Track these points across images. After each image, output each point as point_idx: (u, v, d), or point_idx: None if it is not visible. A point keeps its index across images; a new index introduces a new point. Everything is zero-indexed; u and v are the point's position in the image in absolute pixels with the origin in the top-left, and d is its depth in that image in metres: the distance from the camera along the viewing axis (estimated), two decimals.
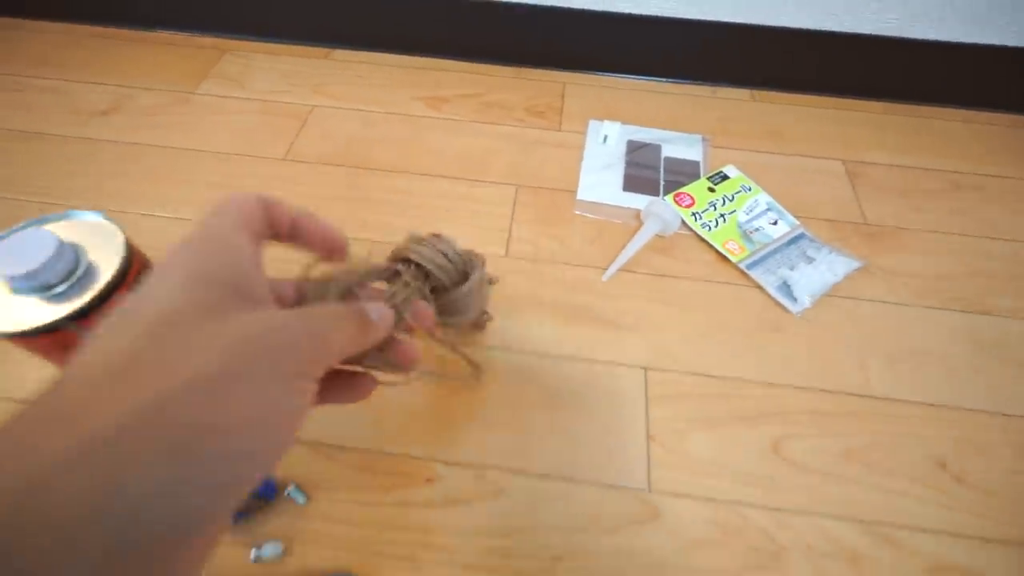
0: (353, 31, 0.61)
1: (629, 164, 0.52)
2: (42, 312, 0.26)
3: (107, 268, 0.27)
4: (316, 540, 0.31)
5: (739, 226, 0.46)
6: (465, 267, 0.29)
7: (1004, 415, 0.37)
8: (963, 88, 0.57)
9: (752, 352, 0.40)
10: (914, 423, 0.36)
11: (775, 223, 0.47)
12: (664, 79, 0.60)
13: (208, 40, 0.63)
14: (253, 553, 0.30)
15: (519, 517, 0.32)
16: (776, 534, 0.32)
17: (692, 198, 0.48)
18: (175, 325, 0.14)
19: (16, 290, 0.26)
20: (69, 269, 0.27)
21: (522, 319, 0.41)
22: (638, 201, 0.48)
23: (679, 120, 0.56)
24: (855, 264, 0.44)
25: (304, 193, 0.48)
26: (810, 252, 0.45)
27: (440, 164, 0.51)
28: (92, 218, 0.29)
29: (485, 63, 0.61)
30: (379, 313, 0.20)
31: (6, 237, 0.27)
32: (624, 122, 0.55)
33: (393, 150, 0.52)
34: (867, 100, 0.59)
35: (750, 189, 0.49)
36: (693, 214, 0.47)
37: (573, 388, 0.37)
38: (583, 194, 0.49)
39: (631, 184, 0.50)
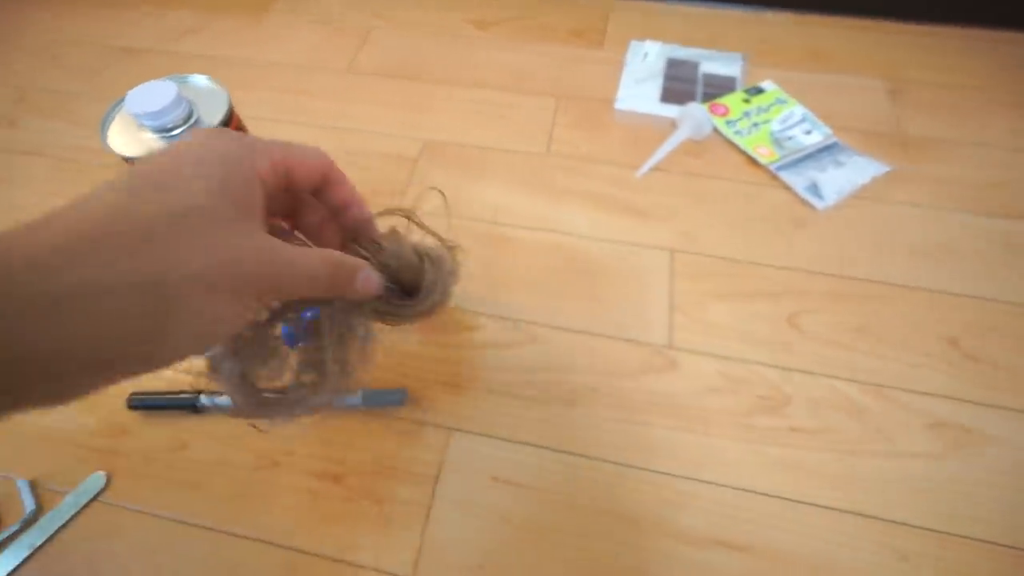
0: None
1: (667, 78, 0.54)
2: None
3: (212, 120, 0.33)
4: (376, 364, 0.36)
5: (772, 134, 0.48)
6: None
7: (1021, 305, 0.38)
8: (1014, 9, 0.56)
9: (775, 242, 0.42)
10: (930, 307, 0.38)
11: (809, 132, 0.48)
12: (708, 3, 0.61)
13: None
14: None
15: (551, 358, 0.37)
16: (783, 387, 0.35)
17: (727, 108, 0.50)
18: (196, 226, 0.16)
19: (142, 127, 0.32)
20: (184, 116, 0.32)
21: (561, 207, 0.44)
22: (674, 111, 0.50)
23: (721, 42, 0.58)
24: (884, 168, 0.45)
25: (364, 99, 0.53)
26: (841, 158, 0.46)
27: (486, 77, 0.55)
28: (203, 81, 0.35)
29: None
30: (365, 280, 0.21)
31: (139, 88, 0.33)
32: (665, 42, 0.57)
33: (443, 65, 0.56)
34: (912, 23, 0.58)
35: (785, 102, 0.51)
36: (727, 122, 0.49)
37: (605, 264, 0.41)
38: (621, 103, 0.52)
39: (668, 95, 0.52)
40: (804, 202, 0.44)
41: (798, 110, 0.50)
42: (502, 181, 0.46)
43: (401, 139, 0.50)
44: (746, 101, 0.51)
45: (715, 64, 0.55)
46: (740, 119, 0.49)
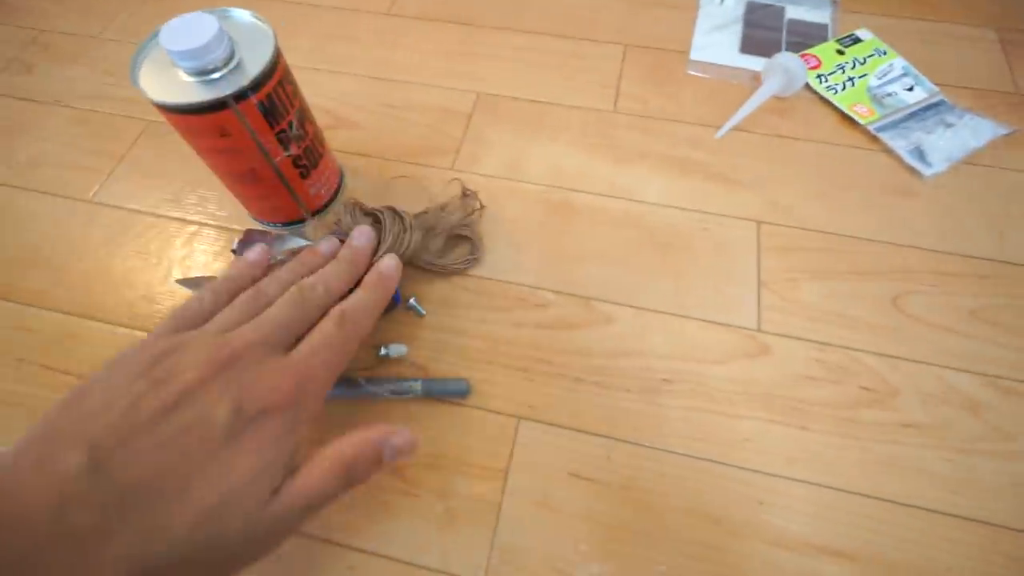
0: None
1: (748, 24, 0.48)
2: (200, 92, 0.27)
3: (257, 63, 0.28)
4: (434, 348, 0.34)
5: (869, 90, 0.43)
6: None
7: None
8: None
9: (875, 213, 0.38)
10: None
11: (911, 89, 0.43)
12: None
13: None
14: (382, 351, 0.33)
15: (628, 341, 0.33)
16: (890, 377, 0.32)
17: (818, 59, 0.44)
18: None
19: (178, 68, 0.28)
20: (227, 56, 0.28)
21: (630, 171, 0.40)
22: (756, 63, 0.45)
23: None
24: (1002, 131, 0.40)
25: (408, 45, 0.48)
26: (949, 119, 0.41)
27: (546, 22, 0.49)
28: (246, 16, 0.31)
29: None
30: (392, 450, 0.22)
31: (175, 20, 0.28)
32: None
33: (498, 7, 0.51)
34: None
35: (885, 53, 0.45)
36: (818, 76, 0.44)
37: (684, 235, 0.37)
38: (696, 54, 0.46)
39: (749, 45, 0.46)
40: (909, 168, 0.39)
41: (898, 63, 0.44)
42: (565, 141, 0.42)
43: (451, 91, 0.45)
44: (840, 52, 0.45)
45: (802, 9, 0.49)
46: (833, 72, 0.44)
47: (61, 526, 0.15)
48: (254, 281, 0.26)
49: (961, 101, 0.42)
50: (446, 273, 0.36)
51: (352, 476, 0.21)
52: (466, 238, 0.36)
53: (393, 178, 0.40)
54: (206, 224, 0.39)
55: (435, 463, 0.30)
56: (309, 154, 0.34)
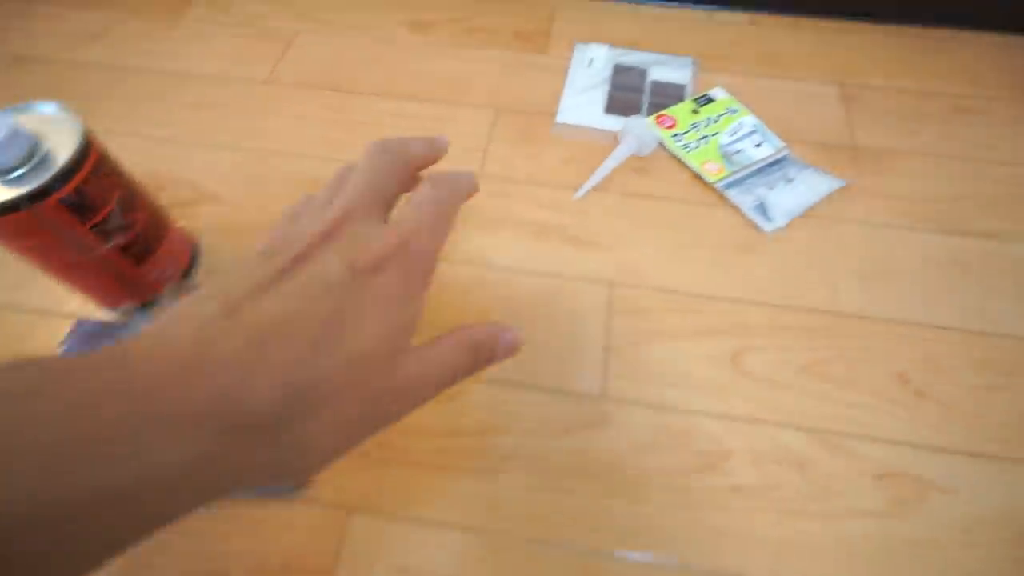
0: None
1: (613, 86, 0.50)
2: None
3: (64, 154, 0.28)
4: None
5: (720, 148, 0.45)
6: None
7: (971, 332, 0.36)
8: (975, 9, 0.53)
9: (721, 270, 0.39)
10: (879, 339, 0.36)
11: (759, 145, 0.45)
12: (660, 2, 0.58)
13: None
14: None
15: (470, 419, 0.33)
16: (724, 439, 0.32)
17: (674, 120, 0.47)
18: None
19: None
20: (25, 153, 0.27)
21: (488, 236, 0.41)
22: (619, 123, 0.47)
23: (672, 45, 0.54)
24: (836, 184, 0.42)
25: (283, 113, 0.48)
26: (791, 173, 0.43)
27: (421, 87, 0.50)
28: (51, 109, 0.30)
29: None
30: (507, 344, 0.23)
31: None
32: (613, 45, 0.53)
33: (375, 74, 0.52)
34: (870, 23, 0.55)
35: (736, 111, 0.47)
36: (674, 135, 0.46)
37: (536, 302, 0.38)
38: (563, 116, 0.48)
39: (613, 106, 0.48)
40: (752, 224, 0.41)
41: (748, 120, 0.47)
42: None
43: (319, 160, 0.45)
44: (695, 112, 0.47)
45: (664, 70, 0.51)
46: (688, 131, 0.46)
47: (205, 353, 0.16)
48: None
49: (806, 155, 0.45)
50: None
51: (478, 357, 0.22)
52: None
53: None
54: (52, 314, 0.37)
55: (257, 568, 0.29)
56: (143, 239, 0.34)
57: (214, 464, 0.15)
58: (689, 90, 0.50)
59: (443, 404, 0.33)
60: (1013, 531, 0.29)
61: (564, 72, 0.52)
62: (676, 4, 0.58)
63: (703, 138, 0.46)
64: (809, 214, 0.41)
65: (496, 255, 0.40)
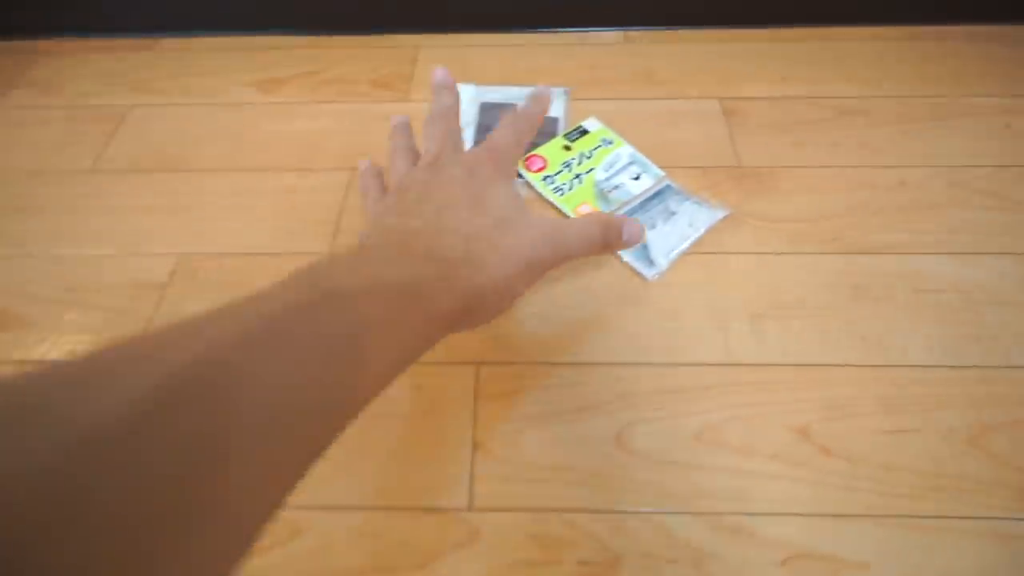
0: (180, 12, 0.54)
1: (480, 130, 0.46)
2: None
3: None
4: None
5: (596, 186, 0.41)
6: None
7: (874, 366, 0.32)
8: (850, 3, 0.51)
9: (603, 331, 0.35)
10: (776, 389, 0.32)
11: (637, 178, 0.42)
12: (529, 30, 0.54)
13: (22, 44, 0.56)
14: None
15: (315, 560, 0.28)
16: (611, 542, 0.28)
17: (544, 160, 0.43)
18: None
19: None
20: None
21: None
22: None
23: (545, 73, 0.50)
24: (719, 214, 0.39)
25: (111, 206, 0.43)
26: (673, 205, 0.40)
27: (268, 156, 0.45)
28: None
29: (327, 35, 0.55)
30: (631, 231, 0.30)
31: None
32: (479, 83, 0.49)
33: (217, 146, 0.46)
34: (750, 28, 0.53)
35: (612, 142, 0.44)
36: (544, 178, 0.42)
37: (393, 399, 0.33)
38: None
39: None
40: (634, 271, 0.37)
41: (625, 151, 0.43)
42: None
43: (147, 258, 0.39)
44: (567, 148, 0.44)
45: None
46: (560, 172, 0.42)
47: (408, 229, 0.25)
48: None
49: (689, 182, 0.42)
50: None
51: (607, 236, 0.29)
52: None
53: None
54: None
55: None
56: None
57: (430, 284, 0.22)
58: (563, 124, 0.46)
59: (284, 547, 0.28)
60: None
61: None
62: (546, 30, 0.54)
63: (577, 177, 0.42)
64: (694, 250, 0.38)
65: None
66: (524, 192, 0.42)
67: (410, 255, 0.23)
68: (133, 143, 0.47)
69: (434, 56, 0.53)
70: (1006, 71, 0.48)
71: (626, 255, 0.37)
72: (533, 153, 0.43)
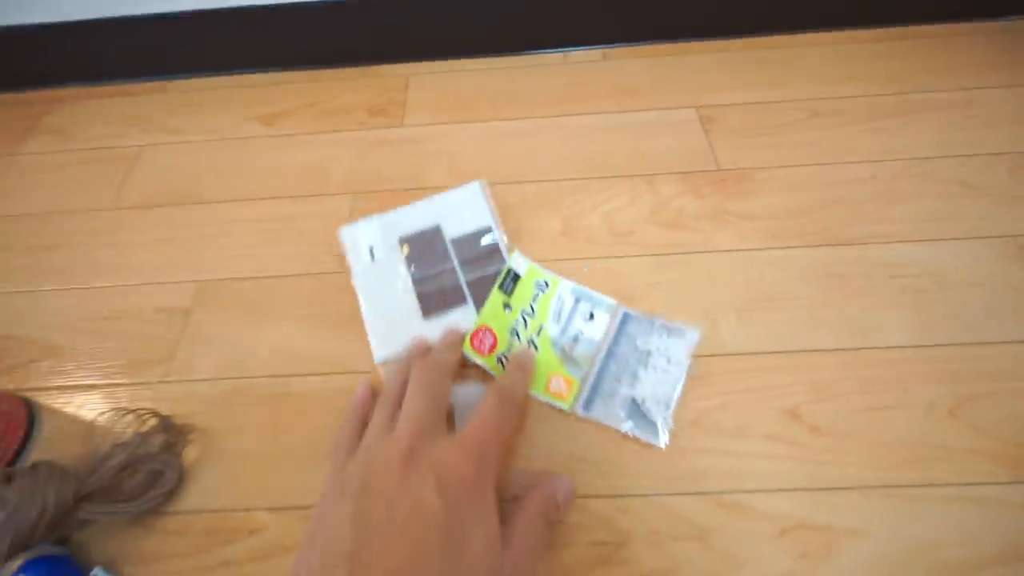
0: (186, 56, 0.58)
1: (418, 280, 0.38)
2: None
3: None
4: None
5: (555, 346, 0.35)
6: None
7: (855, 349, 0.35)
8: (817, 9, 0.55)
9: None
10: (765, 375, 0.34)
11: (591, 317, 0.36)
12: (513, 53, 0.57)
13: (36, 95, 0.59)
14: None
15: None
16: (619, 521, 0.30)
17: (492, 334, 0.35)
18: None
19: None
20: None
21: (351, 338, 0.38)
22: (451, 319, 0.37)
23: (529, 94, 0.53)
24: (693, 337, 0.35)
25: (130, 241, 0.45)
26: (641, 342, 0.35)
27: (275, 185, 0.48)
28: None
29: (325, 68, 0.58)
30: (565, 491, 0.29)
31: None
32: (381, 211, 0.42)
33: (226, 179, 0.49)
34: (723, 40, 0.56)
35: (547, 284, 0.37)
36: (499, 360, 0.34)
37: None
38: (380, 352, 0.36)
39: (431, 306, 0.37)
40: (643, 443, 0.32)
41: (565, 289, 0.37)
42: (291, 317, 0.40)
43: (171, 286, 0.42)
44: (507, 307, 0.36)
45: (457, 216, 0.40)
46: (512, 344, 0.35)
47: None
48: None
49: (669, 188, 0.44)
50: (138, 514, 0.31)
51: (550, 521, 0.27)
52: (160, 472, 0.32)
53: (95, 420, 0.36)
54: None
55: None
56: None
57: None
58: (496, 236, 0.39)
59: None
60: (929, 562, 0.28)
61: (421, 142, 0.50)
62: (531, 52, 0.57)
63: (532, 343, 0.35)
64: (681, 250, 0.40)
65: (358, 357, 0.37)
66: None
67: None
68: (148, 180, 0.50)
69: (424, 83, 0.56)
70: (965, 65, 0.51)
71: (628, 428, 0.33)
72: (478, 327, 0.35)
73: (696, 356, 0.35)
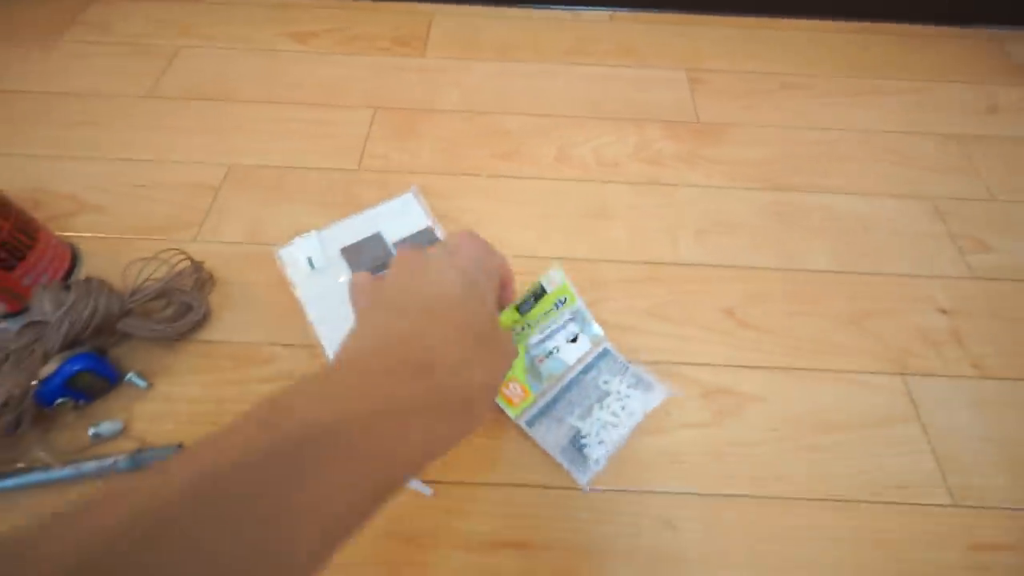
0: None
1: (370, 269, 0.39)
2: None
3: None
4: (156, 418, 0.34)
5: (528, 352, 0.34)
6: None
7: (787, 270, 0.42)
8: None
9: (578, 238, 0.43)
10: (711, 283, 0.41)
11: (574, 339, 0.35)
12: (529, 6, 0.63)
13: None
14: (91, 431, 0.33)
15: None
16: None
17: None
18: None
19: None
20: None
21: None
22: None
23: (540, 44, 0.59)
24: (659, 396, 0.35)
25: (164, 126, 0.50)
26: (604, 380, 0.35)
27: (301, 93, 0.53)
28: None
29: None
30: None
31: None
32: (318, 227, 0.41)
33: (256, 83, 0.54)
34: (718, 15, 0.62)
35: (564, 302, 0.35)
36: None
37: None
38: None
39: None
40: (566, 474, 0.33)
41: (568, 308, 0.35)
42: (308, 202, 0.45)
43: (203, 166, 0.47)
44: (517, 320, 0.34)
45: (396, 220, 0.42)
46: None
47: (399, 336, 0.23)
48: None
49: (655, 134, 0.50)
50: (171, 338, 0.37)
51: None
52: (189, 305, 0.38)
53: (131, 262, 0.41)
54: None
55: None
56: (9, 247, 0.35)
57: (427, 393, 0.21)
58: (441, 234, 0.42)
59: None
60: (811, 423, 0.35)
61: (444, 72, 0.55)
62: (542, 7, 0.63)
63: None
64: (655, 180, 0.47)
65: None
66: None
67: (395, 374, 0.21)
68: (184, 76, 0.54)
69: (447, 22, 0.61)
70: (926, 62, 0.58)
71: (560, 458, 0.33)
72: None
73: (655, 263, 0.42)
